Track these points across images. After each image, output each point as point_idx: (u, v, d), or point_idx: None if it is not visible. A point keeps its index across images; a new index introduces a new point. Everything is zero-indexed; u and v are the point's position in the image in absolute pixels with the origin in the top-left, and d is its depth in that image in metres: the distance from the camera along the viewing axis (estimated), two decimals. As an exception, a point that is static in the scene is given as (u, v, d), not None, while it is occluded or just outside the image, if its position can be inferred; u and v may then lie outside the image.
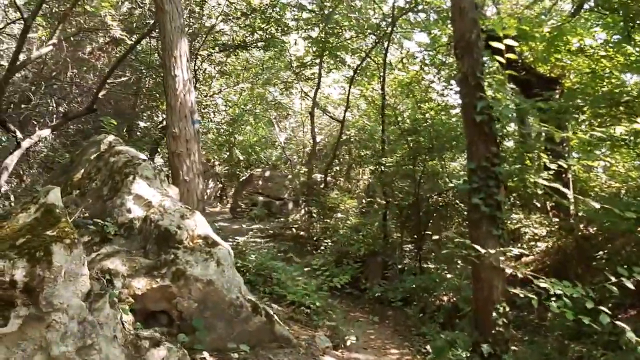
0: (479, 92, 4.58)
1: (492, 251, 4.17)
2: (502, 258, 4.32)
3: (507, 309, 4.35)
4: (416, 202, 9.19)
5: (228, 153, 21.93)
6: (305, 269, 9.02)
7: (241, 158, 22.43)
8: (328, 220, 12.45)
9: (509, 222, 12.03)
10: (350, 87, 14.72)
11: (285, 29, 14.87)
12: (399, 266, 8.61)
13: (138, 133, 16.66)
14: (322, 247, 10.92)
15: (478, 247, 4.13)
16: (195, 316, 4.70)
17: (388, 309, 7.72)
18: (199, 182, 7.72)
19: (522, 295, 4.11)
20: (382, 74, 13.31)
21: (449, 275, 7.13)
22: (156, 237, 5.04)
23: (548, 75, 10.70)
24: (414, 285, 7.40)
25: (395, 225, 10.92)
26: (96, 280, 3.89)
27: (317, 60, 15.44)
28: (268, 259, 7.87)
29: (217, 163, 24.57)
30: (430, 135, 8.66)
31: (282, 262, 7.72)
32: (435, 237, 4.99)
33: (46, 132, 8.85)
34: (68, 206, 5.71)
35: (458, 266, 7.55)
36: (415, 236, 10.55)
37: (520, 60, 10.02)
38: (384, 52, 14.94)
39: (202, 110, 19.34)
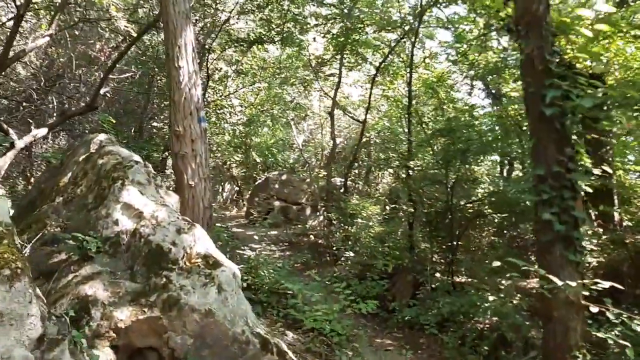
0: (549, 79, 3.60)
1: (573, 283, 3.18)
2: (584, 292, 3.34)
3: (588, 356, 3.36)
4: (448, 209, 8.18)
5: (244, 155, 21.10)
6: (326, 282, 8.12)
7: (258, 161, 21.59)
8: (349, 228, 11.48)
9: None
10: (372, 85, 13.73)
11: (304, 26, 13.97)
12: (432, 286, 7.54)
13: (154, 132, 15.94)
14: (342, 258, 9.97)
15: (554, 279, 3.15)
16: (190, 355, 3.80)
17: (420, 334, 6.70)
18: (206, 187, 6.85)
19: (611, 342, 3.11)
20: (406, 71, 12.35)
21: (491, 298, 6.12)
22: (146, 255, 4.17)
23: (590, 71, 9.69)
24: (450, 310, 6.35)
25: (423, 235, 9.94)
26: (55, 320, 3.00)
27: (337, 57, 14.48)
28: (283, 274, 6.97)
29: (233, 165, 23.79)
30: (468, 137, 7.64)
31: (300, 280, 6.80)
32: (497, 263, 3.95)
33: (43, 131, 8.10)
34: (48, 216, 4.89)
35: (501, 286, 6.53)
36: (444, 247, 9.57)
37: (559, 56, 9.03)
38: (409, 48, 14.04)
39: (218, 111, 18.66)
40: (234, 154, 20.32)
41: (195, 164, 6.67)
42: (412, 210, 9.29)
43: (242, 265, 6.82)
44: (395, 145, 11.57)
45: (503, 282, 6.67)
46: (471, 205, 8.39)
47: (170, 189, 7.47)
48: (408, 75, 11.66)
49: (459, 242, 8.53)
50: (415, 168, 9.37)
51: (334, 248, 10.89)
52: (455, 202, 8.28)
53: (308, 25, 14.05)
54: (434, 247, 8.96)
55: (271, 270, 6.82)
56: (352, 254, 9.63)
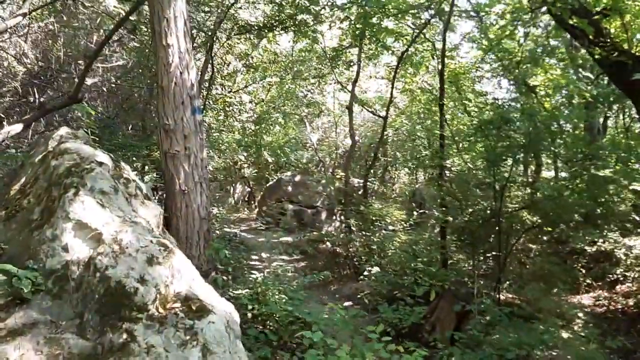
0: None
1: None
2: None
3: None
4: (496, 217, 6.79)
5: (255, 154, 19.88)
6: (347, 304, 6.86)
7: (270, 160, 20.36)
8: (370, 236, 10.12)
9: (601, 241, 9.59)
10: (394, 77, 12.39)
11: (318, 16, 12.62)
12: (487, 318, 6.09)
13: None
14: (365, 273, 8.64)
15: None
16: None
17: (471, 379, 5.35)
18: (203, 192, 5.59)
19: None
20: (436, 58, 11.03)
21: (565, 334, 4.77)
22: (101, 297, 2.91)
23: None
24: (516, 354, 4.90)
25: (457, 246, 8.60)
26: None
27: (356, 44, 13.14)
28: (297, 299, 5.69)
29: (245, 166, 22.65)
30: (529, 129, 6.23)
31: (319, 308, 5.51)
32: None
33: (18, 128, 6.93)
34: (-18, 236, 3.65)
35: (578, 319, 5.17)
36: (482, 259, 8.25)
37: (609, 40, 7.72)
38: (434, 36, 12.75)
39: (227, 108, 17.53)
40: (241, 152, 19.12)
41: (188, 165, 5.42)
42: (447, 217, 7.92)
43: (246, 290, 5.56)
44: (425, 142, 10.22)
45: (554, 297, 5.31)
46: (526, 212, 6.98)
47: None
48: (438, 63, 10.32)
49: (507, 256, 7.16)
50: (452, 168, 8.02)
51: (355, 260, 9.59)
52: (504, 208, 6.89)
53: (322, 16, 12.72)
54: (475, 261, 7.58)
55: (283, 295, 5.54)
56: (376, 269, 8.29)
